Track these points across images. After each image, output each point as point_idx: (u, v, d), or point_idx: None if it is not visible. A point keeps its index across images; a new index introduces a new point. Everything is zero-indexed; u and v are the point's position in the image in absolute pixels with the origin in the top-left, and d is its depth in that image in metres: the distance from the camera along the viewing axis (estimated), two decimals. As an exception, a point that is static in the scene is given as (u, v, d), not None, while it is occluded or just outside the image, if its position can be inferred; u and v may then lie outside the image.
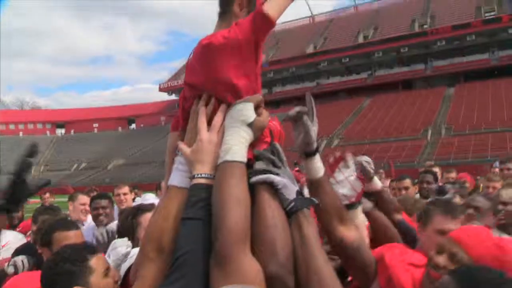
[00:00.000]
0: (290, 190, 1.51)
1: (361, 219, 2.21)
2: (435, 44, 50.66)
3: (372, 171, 2.30)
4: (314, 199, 1.58)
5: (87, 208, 4.55)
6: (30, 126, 75.93)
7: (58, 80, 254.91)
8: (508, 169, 4.61)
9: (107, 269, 1.90)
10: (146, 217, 2.69)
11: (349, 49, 55.61)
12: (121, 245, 2.76)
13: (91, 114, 79.25)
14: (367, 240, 2.15)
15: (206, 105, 1.64)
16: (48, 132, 76.22)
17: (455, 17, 51.76)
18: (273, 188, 1.51)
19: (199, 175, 1.53)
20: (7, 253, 3.46)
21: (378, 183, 2.47)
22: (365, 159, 2.28)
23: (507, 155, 26.88)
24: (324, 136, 43.78)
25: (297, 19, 50.91)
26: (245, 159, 1.52)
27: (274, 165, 1.56)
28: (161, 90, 71.17)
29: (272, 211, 1.46)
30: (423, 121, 41.75)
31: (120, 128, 76.00)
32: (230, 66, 1.57)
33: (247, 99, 1.58)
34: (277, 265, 1.35)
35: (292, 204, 1.49)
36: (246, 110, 1.56)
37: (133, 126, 78.87)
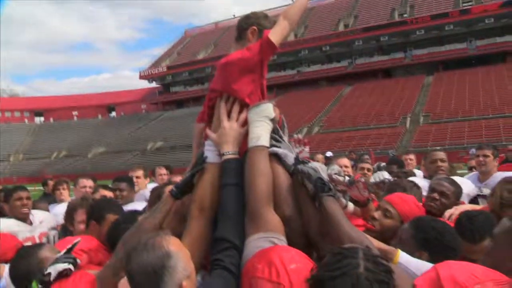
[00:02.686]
0: (289, 157, 2.09)
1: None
2: (414, 33, 51.30)
3: (342, 178, 2.54)
4: (304, 161, 2.09)
5: (88, 190, 4.86)
6: (8, 114, 74.42)
7: (35, 67, 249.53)
8: (485, 155, 4.67)
9: None
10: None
11: (329, 37, 55.96)
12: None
13: (70, 101, 77.94)
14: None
15: (225, 102, 2.20)
16: (26, 120, 74.88)
17: (433, 6, 52.43)
18: (278, 157, 2.10)
19: (228, 153, 2.08)
20: (44, 228, 4.16)
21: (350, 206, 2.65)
22: (334, 171, 2.56)
23: (482, 142, 27.63)
24: (305, 123, 44.25)
25: (278, 7, 50.75)
26: (268, 144, 2.10)
27: (276, 140, 2.17)
28: (141, 77, 70.52)
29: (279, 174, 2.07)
30: (402, 109, 42.45)
31: (100, 116, 75.01)
32: (240, 77, 2.15)
33: (269, 101, 2.19)
34: (289, 210, 1.96)
35: (293, 167, 2.05)
36: (269, 109, 2.15)
37: (113, 114, 77.90)
